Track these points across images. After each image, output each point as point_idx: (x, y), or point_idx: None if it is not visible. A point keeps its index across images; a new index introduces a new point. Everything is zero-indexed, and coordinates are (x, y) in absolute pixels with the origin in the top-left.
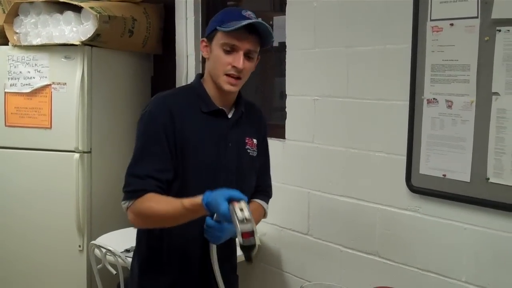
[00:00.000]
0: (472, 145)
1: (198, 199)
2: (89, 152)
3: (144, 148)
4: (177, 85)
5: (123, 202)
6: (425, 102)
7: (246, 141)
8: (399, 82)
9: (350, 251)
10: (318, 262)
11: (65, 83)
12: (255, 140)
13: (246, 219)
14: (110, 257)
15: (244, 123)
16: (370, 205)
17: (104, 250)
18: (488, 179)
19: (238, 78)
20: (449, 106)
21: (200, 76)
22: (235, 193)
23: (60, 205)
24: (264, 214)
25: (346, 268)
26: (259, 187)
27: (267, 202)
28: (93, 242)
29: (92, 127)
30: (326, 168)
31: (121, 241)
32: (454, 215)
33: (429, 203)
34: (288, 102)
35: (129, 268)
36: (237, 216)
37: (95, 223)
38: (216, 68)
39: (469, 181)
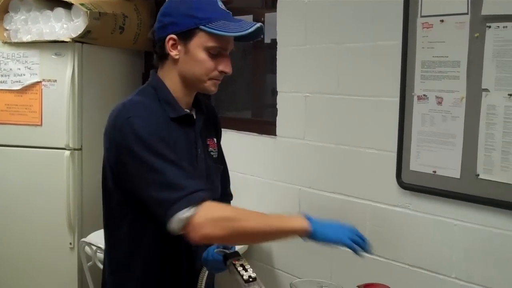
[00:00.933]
0: (462, 141)
1: (303, 223)
2: (80, 149)
3: (164, 156)
4: None
5: (181, 212)
6: (415, 98)
7: (208, 143)
8: (390, 78)
9: (340, 247)
10: (309, 258)
11: (56, 80)
12: (215, 140)
13: (252, 278)
14: (100, 254)
15: (205, 124)
16: (361, 201)
17: (94, 248)
18: (478, 175)
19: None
20: (439, 103)
21: (156, 75)
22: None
23: (51, 202)
24: None
25: (336, 264)
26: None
27: None
28: (83, 239)
29: (83, 124)
30: (317, 165)
31: None
32: (444, 211)
33: (420, 199)
34: (279, 99)
35: None
36: (242, 276)
37: (86, 221)
38: (198, 73)
39: (459, 177)
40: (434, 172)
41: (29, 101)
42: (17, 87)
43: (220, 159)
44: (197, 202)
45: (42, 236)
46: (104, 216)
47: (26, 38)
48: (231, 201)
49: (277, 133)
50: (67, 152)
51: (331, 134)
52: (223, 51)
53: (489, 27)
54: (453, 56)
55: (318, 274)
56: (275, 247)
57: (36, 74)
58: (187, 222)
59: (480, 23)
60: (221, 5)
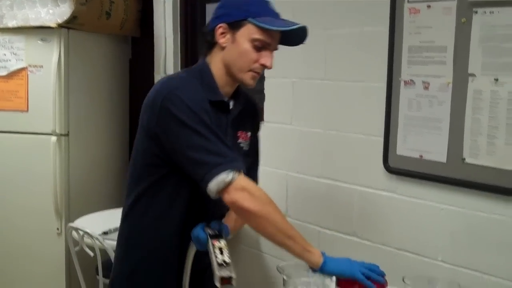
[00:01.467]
0: (449, 126)
1: (318, 260)
2: (67, 135)
3: (208, 126)
4: (156, 68)
5: (225, 173)
6: (402, 83)
7: (239, 134)
8: (377, 64)
9: (328, 231)
10: None
11: (42, 66)
12: (249, 134)
13: (225, 262)
14: (87, 240)
15: (239, 115)
16: (348, 186)
17: (81, 233)
18: (464, 159)
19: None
20: (426, 88)
21: (204, 60)
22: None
23: (38, 188)
24: None
25: (324, 248)
26: None
27: None
28: (70, 224)
29: (70, 110)
30: (304, 150)
31: (98, 224)
32: (431, 195)
33: (406, 183)
34: (267, 84)
35: (108, 251)
36: (216, 258)
37: (73, 206)
38: (240, 62)
39: (445, 161)
40: (421, 156)
41: (15, 86)
42: (3, 73)
43: (251, 154)
44: (237, 170)
45: (29, 222)
46: (132, 181)
47: (12, 23)
48: None
49: (264, 119)
50: (53, 138)
51: (319, 119)
52: (267, 45)
53: (476, 12)
54: (440, 41)
55: None
56: None
57: (22, 60)
58: (226, 185)
59: (466, 8)
60: (272, 6)
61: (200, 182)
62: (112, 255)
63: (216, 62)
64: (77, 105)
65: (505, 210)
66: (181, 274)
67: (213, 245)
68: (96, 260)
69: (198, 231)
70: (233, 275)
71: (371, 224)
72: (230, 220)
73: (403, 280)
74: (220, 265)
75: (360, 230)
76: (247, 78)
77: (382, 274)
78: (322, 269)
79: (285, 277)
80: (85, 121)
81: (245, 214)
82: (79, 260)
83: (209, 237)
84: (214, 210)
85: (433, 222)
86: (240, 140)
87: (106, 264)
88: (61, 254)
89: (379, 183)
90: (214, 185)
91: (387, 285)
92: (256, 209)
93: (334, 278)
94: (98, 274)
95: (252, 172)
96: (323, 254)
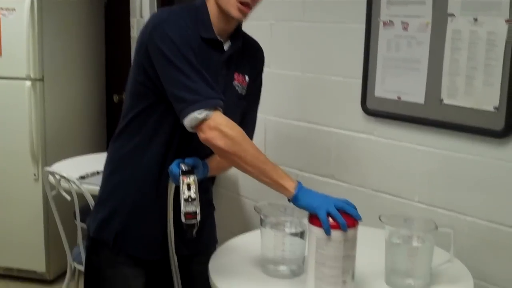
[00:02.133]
0: (427, 67)
1: (291, 185)
2: (41, 79)
3: (190, 62)
4: (131, 12)
5: (197, 112)
6: (381, 24)
7: (235, 76)
8: (355, 4)
9: (306, 174)
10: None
11: (14, 9)
12: (246, 77)
13: (191, 198)
14: (64, 184)
15: (237, 58)
16: (326, 129)
17: (58, 177)
18: (442, 100)
19: (249, 7)
20: (405, 28)
21: None
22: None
23: (14, 134)
24: None
25: None
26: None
27: None
28: (47, 168)
29: (44, 55)
30: (282, 93)
31: (76, 168)
32: (408, 137)
33: (384, 125)
34: (244, 27)
35: (85, 195)
36: (183, 194)
37: (50, 151)
38: None
39: (423, 102)
40: (399, 98)
41: None
42: None
43: (249, 99)
44: (211, 108)
45: (6, 168)
46: (124, 110)
47: None
48: None
49: None
50: (28, 83)
51: (297, 62)
52: None
53: None
54: None
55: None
56: (241, 176)
57: None
58: (199, 123)
59: None
60: None
61: (179, 117)
62: (90, 199)
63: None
64: (51, 50)
65: (482, 151)
66: (163, 213)
67: (182, 181)
68: (74, 206)
69: (173, 166)
70: (198, 210)
71: (349, 166)
72: (214, 159)
73: (379, 219)
74: (185, 200)
75: (338, 173)
76: (233, 9)
77: (356, 214)
78: (294, 202)
79: (262, 217)
80: (60, 65)
81: (218, 152)
82: (56, 206)
83: (180, 173)
84: (198, 147)
85: (410, 163)
86: (236, 83)
87: (84, 209)
88: (39, 199)
89: (357, 125)
90: (187, 121)
91: (357, 224)
92: (227, 148)
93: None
94: (76, 219)
95: (248, 117)
96: (298, 186)
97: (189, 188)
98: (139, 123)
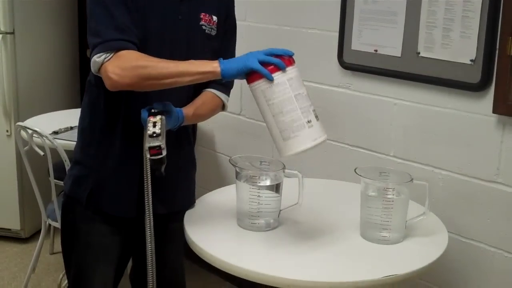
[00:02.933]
0: (404, 19)
1: (212, 65)
2: (12, 33)
3: (109, 3)
4: None
5: (97, 56)
6: None
7: (201, 16)
8: None
9: None
10: (251, 142)
11: None
12: (214, 17)
13: (155, 133)
14: (37, 139)
15: None
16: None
17: (30, 131)
18: (419, 53)
19: None
20: None
21: None
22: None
23: None
24: (223, 107)
25: None
26: None
27: (226, 93)
28: (19, 123)
29: (14, 7)
30: (258, 46)
31: (49, 124)
32: (385, 90)
33: (360, 79)
34: None
35: (58, 150)
36: (148, 131)
37: (22, 107)
38: None
39: (400, 55)
40: (376, 51)
41: None
42: None
43: (223, 38)
44: (111, 50)
45: None
46: None
47: None
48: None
49: None
50: None
51: (273, 15)
52: None
53: None
54: None
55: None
56: (217, 132)
57: None
58: (99, 66)
59: None
60: None
61: None
62: (63, 154)
63: None
64: (22, 2)
65: (458, 104)
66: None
67: (148, 120)
68: (48, 162)
69: (143, 112)
70: (163, 144)
71: (325, 121)
72: (190, 106)
73: (355, 171)
74: (150, 136)
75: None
76: None
77: (286, 52)
78: (224, 76)
79: (237, 170)
80: (31, 18)
81: (128, 88)
82: (30, 163)
83: (148, 115)
84: (170, 93)
85: (387, 117)
86: (202, 22)
87: (58, 166)
88: (12, 156)
89: (334, 79)
90: (92, 67)
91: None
92: (133, 81)
93: (285, 170)
94: (50, 176)
95: (226, 52)
96: (220, 61)
97: (154, 126)
98: None
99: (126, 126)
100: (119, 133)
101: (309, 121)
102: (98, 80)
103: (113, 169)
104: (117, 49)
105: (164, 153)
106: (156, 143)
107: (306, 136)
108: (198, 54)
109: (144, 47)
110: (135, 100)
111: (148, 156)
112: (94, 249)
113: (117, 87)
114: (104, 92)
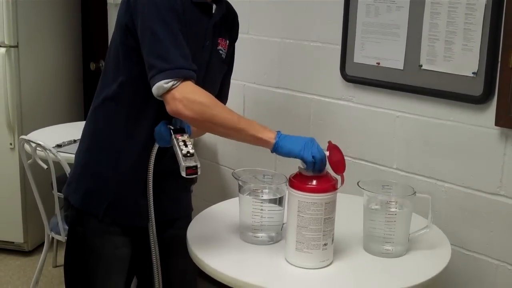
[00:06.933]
0: (407, 32)
1: (270, 135)
2: (16, 46)
3: (168, 27)
4: None
5: (164, 81)
6: None
7: (219, 41)
8: None
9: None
10: (253, 154)
11: None
12: (227, 41)
13: (190, 153)
14: (40, 152)
15: (221, 22)
16: (305, 95)
17: (34, 145)
18: (421, 66)
19: None
20: None
21: None
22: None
23: None
24: None
25: (281, 159)
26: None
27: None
28: (22, 136)
29: (18, 20)
30: (261, 59)
31: (52, 137)
32: (387, 103)
33: (363, 92)
34: None
35: (61, 163)
36: (181, 150)
37: (26, 120)
38: None
39: (402, 68)
40: (378, 64)
41: None
42: None
43: (228, 62)
44: (180, 78)
45: None
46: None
47: None
48: None
49: None
50: (2, 49)
51: (276, 28)
52: None
53: None
54: None
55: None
56: (220, 146)
57: None
58: (166, 92)
59: None
60: None
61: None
62: (66, 168)
63: None
64: (26, 15)
65: (460, 116)
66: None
67: (177, 138)
68: (51, 175)
69: (160, 127)
70: (198, 164)
71: (328, 133)
72: None
73: (357, 184)
74: (185, 155)
75: (317, 140)
76: None
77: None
78: (274, 151)
79: (240, 183)
80: (35, 32)
81: (189, 121)
82: (33, 176)
83: (172, 132)
84: None
85: (389, 130)
86: (219, 47)
87: (61, 179)
88: (15, 169)
89: (336, 92)
90: (155, 89)
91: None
92: (196, 116)
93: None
94: (53, 189)
95: (225, 79)
96: (277, 135)
97: (185, 145)
98: (130, 91)
99: (146, 138)
100: (139, 145)
101: (325, 244)
102: (123, 97)
103: (132, 181)
104: (185, 78)
105: (199, 172)
106: (193, 163)
107: (317, 257)
108: (214, 77)
109: None
110: (160, 115)
111: (184, 175)
112: (106, 261)
113: (179, 115)
114: (127, 109)
